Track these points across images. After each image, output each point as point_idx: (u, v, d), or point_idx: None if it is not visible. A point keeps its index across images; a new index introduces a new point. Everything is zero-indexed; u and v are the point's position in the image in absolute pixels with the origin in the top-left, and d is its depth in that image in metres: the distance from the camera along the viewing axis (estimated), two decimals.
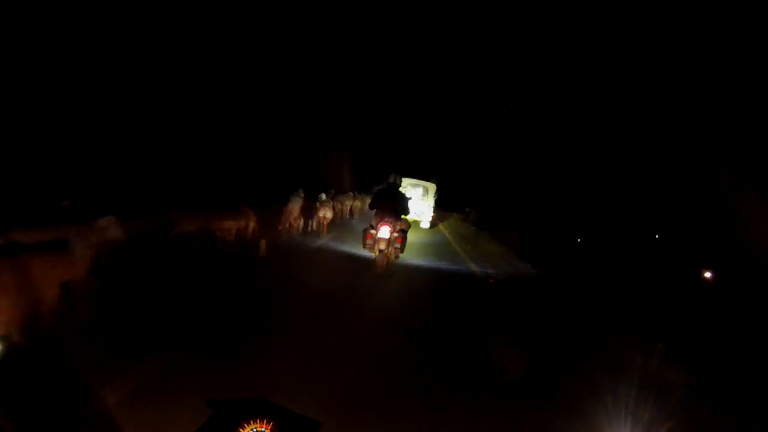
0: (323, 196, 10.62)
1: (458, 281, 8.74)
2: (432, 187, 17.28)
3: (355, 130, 21.62)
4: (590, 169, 23.08)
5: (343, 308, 5.41)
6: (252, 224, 7.61)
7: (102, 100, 9.52)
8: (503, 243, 15.41)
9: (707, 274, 12.98)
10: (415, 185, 16.63)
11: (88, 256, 3.74)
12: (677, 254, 15.52)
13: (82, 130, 8.89)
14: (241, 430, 1.23)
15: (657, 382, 4.21)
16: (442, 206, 22.01)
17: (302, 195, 9.76)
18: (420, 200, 16.52)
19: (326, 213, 10.51)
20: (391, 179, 7.73)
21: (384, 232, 7.27)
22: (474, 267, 10.13)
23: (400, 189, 7.81)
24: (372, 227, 7.40)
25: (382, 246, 7.29)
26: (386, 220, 7.32)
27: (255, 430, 1.24)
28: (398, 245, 7.44)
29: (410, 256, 9.07)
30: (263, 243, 7.36)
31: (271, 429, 1.24)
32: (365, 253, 7.70)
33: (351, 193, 16.01)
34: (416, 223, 15.82)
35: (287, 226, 9.67)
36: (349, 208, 14.93)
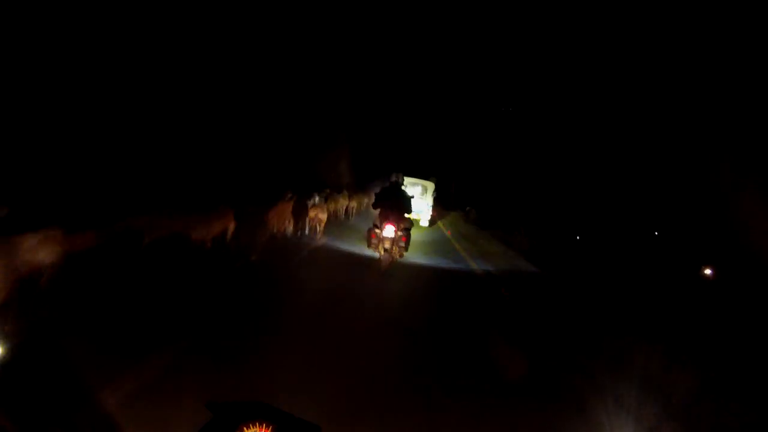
0: (317, 197, 9.96)
1: (458, 281, 8.72)
2: (431, 186, 17.39)
3: (353, 128, 21.48)
4: (590, 167, 23.11)
5: (343, 309, 5.40)
6: (231, 227, 6.86)
7: (71, 92, 8.19)
8: (504, 243, 15.38)
9: (707, 271, 13.02)
10: (413, 184, 16.67)
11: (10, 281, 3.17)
12: (677, 251, 15.57)
13: (45, 126, 7.59)
14: None
15: (657, 382, 4.22)
16: (441, 204, 22.01)
17: (291, 197, 8.96)
18: (419, 199, 16.58)
19: (319, 214, 9.92)
20: (394, 178, 7.74)
21: (389, 231, 7.26)
22: (474, 265, 10.12)
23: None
24: (376, 226, 7.40)
25: (387, 245, 7.28)
26: (390, 219, 7.31)
27: None
28: (402, 244, 7.44)
29: (410, 255, 9.04)
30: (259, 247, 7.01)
31: None
32: (365, 253, 7.66)
33: (345, 192, 14.71)
34: (415, 221, 15.82)
35: (274, 230, 8.67)
36: (344, 208, 14.51)
